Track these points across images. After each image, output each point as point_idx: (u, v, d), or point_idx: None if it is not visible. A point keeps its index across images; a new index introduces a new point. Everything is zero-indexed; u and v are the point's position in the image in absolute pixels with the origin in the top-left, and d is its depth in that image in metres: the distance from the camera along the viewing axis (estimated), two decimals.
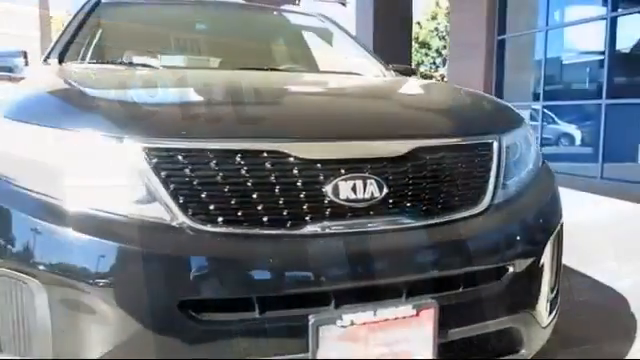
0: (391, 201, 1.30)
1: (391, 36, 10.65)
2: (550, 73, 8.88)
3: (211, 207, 1.19)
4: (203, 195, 1.19)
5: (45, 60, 2.18)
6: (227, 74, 2.06)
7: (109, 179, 1.20)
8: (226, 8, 2.94)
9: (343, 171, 1.27)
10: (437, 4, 23.69)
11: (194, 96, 1.59)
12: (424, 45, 25.08)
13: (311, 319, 1.17)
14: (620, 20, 7.40)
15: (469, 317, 1.35)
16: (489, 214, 1.42)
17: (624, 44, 7.68)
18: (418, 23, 23.15)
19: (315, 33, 2.85)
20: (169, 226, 1.17)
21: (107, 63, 2.20)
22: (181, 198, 1.18)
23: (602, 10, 7.67)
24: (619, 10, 7.35)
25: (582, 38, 8.77)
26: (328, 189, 1.25)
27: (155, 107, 1.44)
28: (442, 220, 1.35)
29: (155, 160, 1.19)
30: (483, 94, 1.97)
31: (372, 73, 2.53)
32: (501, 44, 9.59)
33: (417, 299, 1.26)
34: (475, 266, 1.36)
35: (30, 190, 1.21)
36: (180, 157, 1.20)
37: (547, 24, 8.76)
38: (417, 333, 1.26)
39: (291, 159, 1.24)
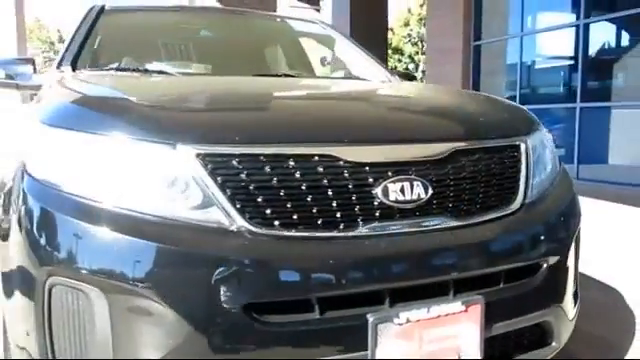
0: (435, 202, 1.34)
1: (367, 41, 10.77)
2: (525, 77, 9.13)
3: (267, 211, 1.21)
4: (259, 199, 1.21)
5: (58, 67, 2.16)
6: (250, 80, 2.07)
7: (166, 186, 1.21)
8: (232, 15, 2.96)
9: (390, 173, 1.31)
10: (409, 11, 24.05)
11: (236, 102, 1.60)
12: (397, 51, 25.41)
13: (370, 318, 1.20)
14: (592, 27, 7.66)
15: (509, 312, 1.40)
16: (522, 213, 1.47)
17: (597, 49, 7.95)
18: (391, 29, 23.44)
19: (321, 40, 2.89)
20: (228, 230, 1.19)
21: (121, 70, 2.19)
22: (238, 202, 1.20)
23: (573, 17, 7.94)
24: (591, 17, 7.61)
25: (556, 44, 9.04)
26: (378, 191, 1.28)
27: (204, 113, 1.46)
28: (482, 219, 1.40)
29: (211, 166, 1.21)
30: (501, 98, 2.04)
31: (379, 78, 2.58)
32: (477, 50, 9.82)
33: (464, 296, 1.31)
34: (514, 263, 1.42)
35: (86, 198, 1.21)
36: (235, 162, 1.22)
37: (522, 30, 9.01)
38: (466, 329, 1.30)
39: (341, 162, 1.28)
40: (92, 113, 1.38)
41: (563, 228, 1.59)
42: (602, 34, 7.84)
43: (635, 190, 6.46)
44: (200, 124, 1.33)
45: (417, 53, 24.84)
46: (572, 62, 8.10)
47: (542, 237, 1.49)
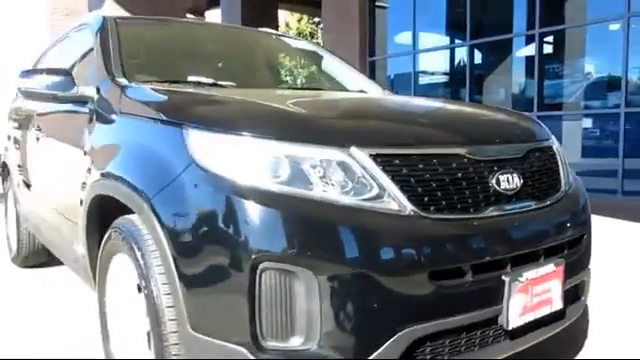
0: (523, 189, 1.74)
1: None
2: (416, 90, 10.11)
3: (425, 199, 1.52)
4: (419, 189, 1.52)
5: (113, 79, 2.21)
6: (346, 95, 2.39)
7: (351, 181, 1.46)
8: (254, 35, 3.16)
9: (497, 167, 1.69)
10: (287, 25, 24.76)
11: (377, 114, 1.92)
12: None
13: (506, 278, 1.56)
14: (477, 46, 8.81)
15: (572, 272, 1.84)
16: (566, 199, 1.93)
17: (483, 67, 9.15)
18: None
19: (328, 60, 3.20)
20: (402, 215, 1.47)
21: (173, 82, 2.30)
22: (405, 193, 1.49)
23: (453, 39, 9.12)
24: (475, 40, 8.75)
25: (439, 61, 10.21)
26: (493, 181, 1.65)
27: (360, 122, 1.74)
28: (548, 203, 1.83)
29: (382, 164, 1.49)
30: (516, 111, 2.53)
31: (377, 92, 2.95)
32: (372, 65, 10.67)
33: (553, 259, 1.73)
34: (573, 234, 1.87)
35: (295, 192, 1.42)
36: (397, 161, 1.51)
37: (414, 48, 9.99)
38: (554, 285, 1.72)
39: (466, 160, 1.63)
40: (267, 122, 1.58)
41: (588, 210, 2.08)
42: (484, 54, 9.05)
43: None
44: (368, 131, 1.62)
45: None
46: (454, 77, 9.27)
47: (582, 216, 1.97)
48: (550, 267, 1.70)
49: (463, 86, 9.06)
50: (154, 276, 1.57)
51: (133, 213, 1.72)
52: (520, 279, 1.60)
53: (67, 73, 2.33)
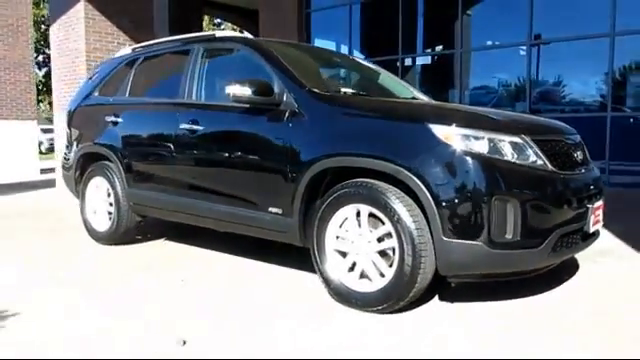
0: (584, 160, 3.13)
1: None
2: None
3: (555, 162, 2.81)
4: (552, 157, 2.81)
5: (307, 89, 3.21)
6: (420, 101, 3.59)
7: (521, 152, 2.71)
8: (352, 59, 4.26)
9: (575, 147, 3.06)
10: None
11: (507, 116, 3.14)
12: None
13: (589, 205, 2.93)
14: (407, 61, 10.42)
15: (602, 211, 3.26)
16: (593, 168, 3.34)
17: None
18: None
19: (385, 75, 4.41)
20: (548, 170, 2.75)
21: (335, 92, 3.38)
22: (547, 159, 2.77)
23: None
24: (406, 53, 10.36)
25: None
26: (575, 154, 3.02)
27: (509, 120, 2.98)
28: (591, 167, 3.22)
29: (536, 143, 2.76)
30: None
31: (426, 98, 4.20)
32: None
33: (599, 198, 3.12)
34: (602, 187, 3.28)
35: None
36: (541, 142, 2.80)
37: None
38: (600, 212, 3.12)
39: (564, 143, 2.99)
40: (475, 119, 2.80)
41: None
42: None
43: None
44: (523, 126, 2.86)
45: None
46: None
47: (601, 178, 3.40)
48: (600, 202, 3.09)
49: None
50: (415, 211, 2.68)
51: (362, 178, 2.83)
52: (592, 206, 2.96)
53: (268, 83, 3.26)
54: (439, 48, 10.38)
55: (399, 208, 2.70)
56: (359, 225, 2.89)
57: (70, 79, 8.74)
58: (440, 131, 2.68)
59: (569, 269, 3.45)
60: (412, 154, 2.71)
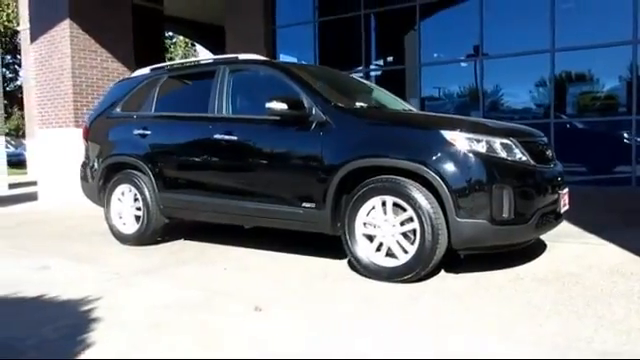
0: (552, 156, 3.98)
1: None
2: None
3: (535, 158, 3.63)
4: (532, 154, 3.62)
5: (331, 103, 3.91)
6: (415, 112, 4.35)
7: (509, 150, 3.52)
8: (350, 77, 4.99)
9: (546, 146, 3.91)
10: None
11: (494, 123, 3.93)
12: None
13: (560, 191, 3.78)
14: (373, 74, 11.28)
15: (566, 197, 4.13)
16: (559, 163, 4.22)
17: None
18: None
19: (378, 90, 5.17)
20: (530, 164, 3.56)
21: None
22: (530, 156, 3.59)
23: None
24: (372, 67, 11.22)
25: None
26: (547, 152, 3.86)
27: (498, 127, 3.77)
28: (557, 163, 4.09)
29: (520, 144, 3.57)
30: None
31: (416, 108, 5.00)
32: None
33: (565, 187, 3.98)
34: (564, 178, 4.15)
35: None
36: (525, 143, 3.61)
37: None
38: (565, 198, 3.98)
39: (539, 143, 3.82)
40: (474, 126, 3.56)
41: None
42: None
43: None
44: (510, 131, 3.66)
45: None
46: None
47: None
48: (566, 190, 3.96)
49: None
50: (430, 199, 3.41)
51: (385, 174, 3.55)
52: (562, 192, 3.81)
53: (300, 99, 3.94)
54: (393, 61, 11.33)
55: (419, 197, 3.43)
56: (384, 213, 3.60)
57: (53, 95, 9.02)
58: (449, 135, 3.44)
59: (543, 247, 4.31)
60: (429, 154, 3.45)
